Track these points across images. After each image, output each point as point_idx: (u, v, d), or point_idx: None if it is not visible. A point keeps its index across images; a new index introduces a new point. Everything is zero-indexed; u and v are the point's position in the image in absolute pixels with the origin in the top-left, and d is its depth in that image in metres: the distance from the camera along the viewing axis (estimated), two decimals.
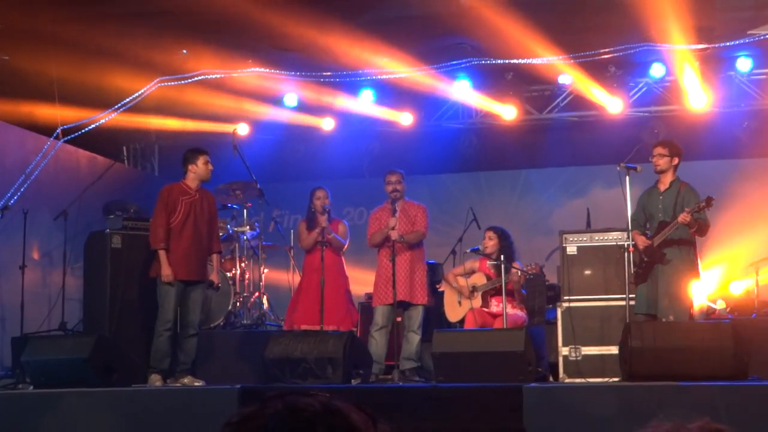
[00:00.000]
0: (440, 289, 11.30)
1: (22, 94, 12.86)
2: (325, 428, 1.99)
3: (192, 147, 10.37)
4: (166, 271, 9.69)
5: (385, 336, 10.42)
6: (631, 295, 9.46)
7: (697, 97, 13.43)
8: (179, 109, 14.30)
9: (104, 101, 12.91)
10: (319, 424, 2.00)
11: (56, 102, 12.55)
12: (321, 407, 2.02)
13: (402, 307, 10.30)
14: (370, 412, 2.09)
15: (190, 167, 10.02)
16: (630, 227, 9.60)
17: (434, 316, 11.07)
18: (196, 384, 9.64)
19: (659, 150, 9.62)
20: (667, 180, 9.58)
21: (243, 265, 12.10)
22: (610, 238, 10.12)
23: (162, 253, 9.74)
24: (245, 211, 12.27)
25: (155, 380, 9.58)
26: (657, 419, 2.19)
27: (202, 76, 13.03)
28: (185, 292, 9.83)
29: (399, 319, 10.41)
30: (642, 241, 9.37)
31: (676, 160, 9.59)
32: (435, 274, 11.54)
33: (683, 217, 9.02)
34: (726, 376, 8.20)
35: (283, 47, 12.61)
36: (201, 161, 9.99)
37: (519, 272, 10.56)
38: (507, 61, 13.15)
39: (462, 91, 14.20)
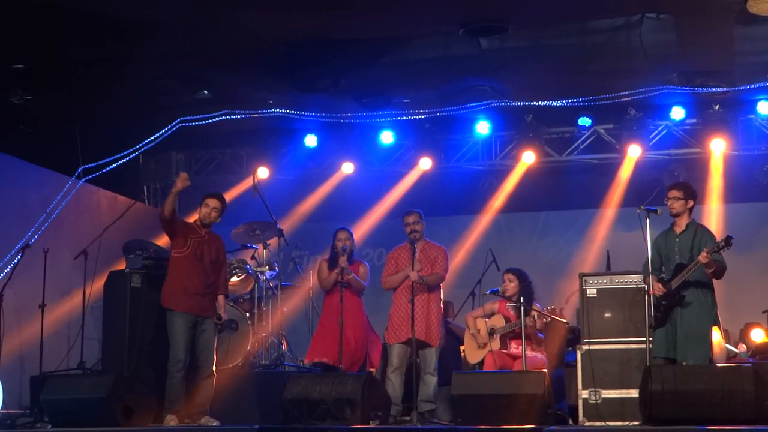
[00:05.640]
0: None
1: (43, 134, 12.95)
2: None
3: (209, 191, 10.38)
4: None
5: (401, 377, 10.39)
6: (651, 338, 9.40)
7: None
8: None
9: (125, 141, 12.99)
10: None
11: (78, 141, 12.62)
12: None
13: (417, 347, 10.24)
14: None
15: (198, 208, 10.11)
16: (648, 271, 9.52)
17: (450, 357, 11.04)
18: (213, 424, 9.61)
19: (674, 193, 9.57)
20: (683, 222, 9.53)
21: (262, 305, 12.09)
22: (630, 280, 10.08)
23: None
24: (265, 251, 12.27)
25: (170, 420, 9.53)
26: None
27: (223, 117, 13.08)
28: (196, 330, 9.76)
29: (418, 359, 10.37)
30: (658, 288, 9.29)
31: (691, 203, 9.55)
32: (446, 313, 11.51)
33: (703, 256, 8.96)
34: (747, 420, 8.14)
35: (304, 88, 12.66)
36: (203, 204, 10.03)
37: (536, 316, 10.51)
38: (527, 104, 13.19)
39: (482, 133, 14.26)
